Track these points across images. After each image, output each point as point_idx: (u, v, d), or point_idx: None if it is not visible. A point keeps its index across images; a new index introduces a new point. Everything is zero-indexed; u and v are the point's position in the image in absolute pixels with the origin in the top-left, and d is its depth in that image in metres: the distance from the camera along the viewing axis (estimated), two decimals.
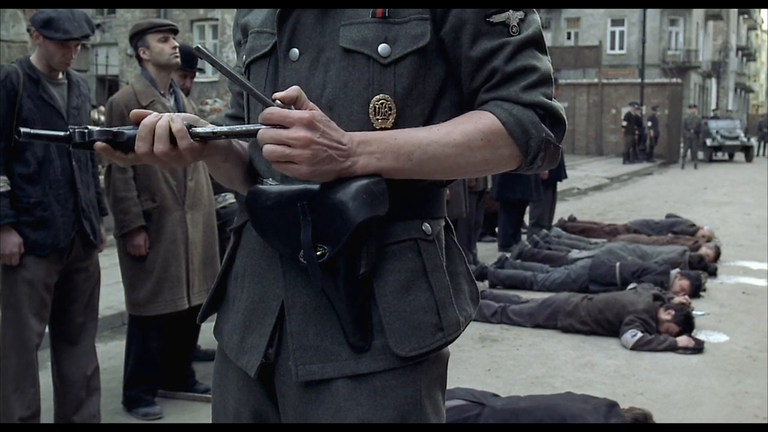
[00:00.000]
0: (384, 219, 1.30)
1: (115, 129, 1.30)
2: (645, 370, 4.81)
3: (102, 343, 5.01)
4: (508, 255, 7.65)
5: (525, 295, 6.35)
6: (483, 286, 6.86)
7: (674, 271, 6.68)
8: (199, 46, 1.20)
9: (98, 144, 1.28)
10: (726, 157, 27.89)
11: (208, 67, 15.08)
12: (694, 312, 5.65)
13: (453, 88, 1.39)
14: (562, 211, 11.12)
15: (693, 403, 4.28)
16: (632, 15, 34.50)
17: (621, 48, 36.11)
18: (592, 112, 27.52)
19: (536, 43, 1.35)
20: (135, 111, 1.32)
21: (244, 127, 1.28)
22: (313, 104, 1.26)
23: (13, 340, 3.35)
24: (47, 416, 3.61)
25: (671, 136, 26.18)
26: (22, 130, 1.24)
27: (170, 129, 1.28)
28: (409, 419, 1.34)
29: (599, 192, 16.31)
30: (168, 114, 1.30)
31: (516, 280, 6.96)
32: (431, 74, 1.36)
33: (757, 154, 29.94)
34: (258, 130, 1.24)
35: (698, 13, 38.44)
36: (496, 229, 9.26)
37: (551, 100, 1.35)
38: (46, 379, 3.68)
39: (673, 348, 5.16)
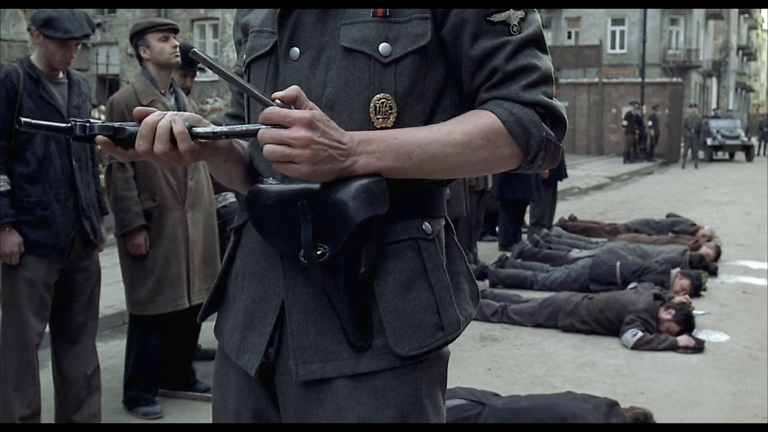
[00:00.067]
0: (384, 218, 1.30)
1: (116, 124, 1.30)
2: (645, 370, 4.81)
3: (102, 342, 5.01)
4: (508, 254, 7.65)
5: (525, 294, 6.35)
6: (483, 285, 6.86)
7: (675, 271, 6.68)
8: (195, 50, 1.20)
9: (99, 138, 1.28)
10: (726, 156, 27.89)
11: None
12: (694, 311, 5.65)
13: (454, 88, 1.38)
14: (563, 210, 11.11)
15: (693, 403, 4.28)
16: (633, 14, 34.49)
17: (621, 47, 36.10)
18: (593, 111, 27.52)
19: (537, 42, 1.35)
20: (139, 108, 1.32)
21: (244, 127, 1.28)
22: (313, 104, 1.25)
23: (14, 340, 3.35)
24: (48, 415, 3.61)
25: (672, 135, 26.17)
26: (23, 120, 1.24)
27: (171, 130, 1.28)
28: (410, 418, 1.34)
29: (600, 191, 16.30)
30: (171, 113, 1.30)
31: (516, 279, 6.96)
32: (432, 73, 1.36)
33: (758, 154, 29.93)
34: (258, 130, 1.24)
35: (699, 13, 38.43)
36: (497, 229, 9.26)
37: (552, 99, 1.35)
38: (46, 378, 3.68)
39: (674, 347, 5.16)
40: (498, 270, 7.07)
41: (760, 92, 70.38)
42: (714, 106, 43.71)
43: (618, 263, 6.79)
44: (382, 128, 1.32)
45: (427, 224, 1.38)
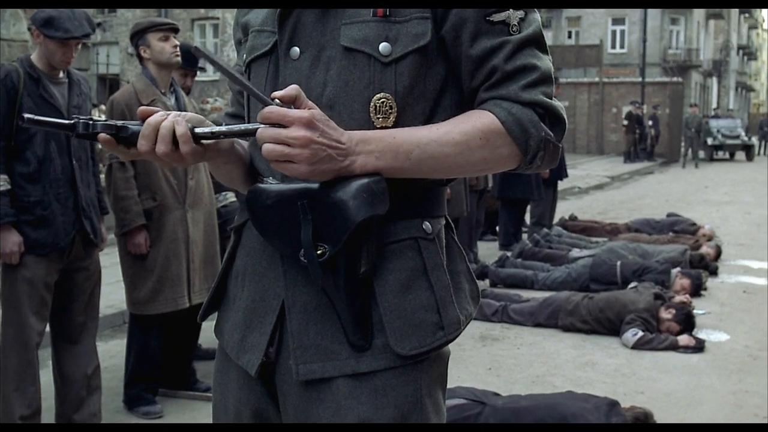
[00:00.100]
0: (384, 218, 1.30)
1: (119, 123, 1.30)
2: (646, 369, 4.81)
3: (103, 341, 5.01)
4: (508, 254, 7.65)
5: (526, 294, 6.35)
6: (484, 285, 6.86)
7: (675, 270, 6.68)
8: (198, 46, 1.20)
9: (102, 136, 1.28)
10: (727, 156, 27.89)
11: (209, 66, 15.08)
12: (694, 311, 5.64)
13: (454, 87, 1.38)
14: (563, 210, 11.11)
15: (694, 402, 4.28)
16: (633, 14, 34.48)
17: (622, 47, 36.09)
18: (593, 111, 27.52)
19: (536, 42, 1.35)
20: (143, 108, 1.31)
21: (243, 126, 1.27)
22: (312, 103, 1.25)
23: (14, 339, 3.35)
24: (48, 415, 3.61)
25: (672, 135, 26.17)
26: (26, 116, 1.24)
27: (174, 131, 1.28)
28: (410, 418, 1.34)
29: (600, 191, 16.30)
30: (175, 113, 1.30)
31: (517, 279, 6.96)
32: (432, 73, 1.36)
33: (758, 153, 29.93)
34: (257, 129, 1.24)
35: (699, 12, 38.42)
36: (497, 228, 9.26)
37: (551, 99, 1.34)
38: (46, 377, 3.68)
39: (674, 347, 5.16)
40: (498, 269, 7.07)
41: (760, 92, 70.35)
42: (714, 105, 43.70)
43: (618, 263, 6.79)
44: (382, 128, 1.32)
45: (428, 224, 1.38)
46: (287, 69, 1.37)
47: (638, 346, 5.17)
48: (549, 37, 34.93)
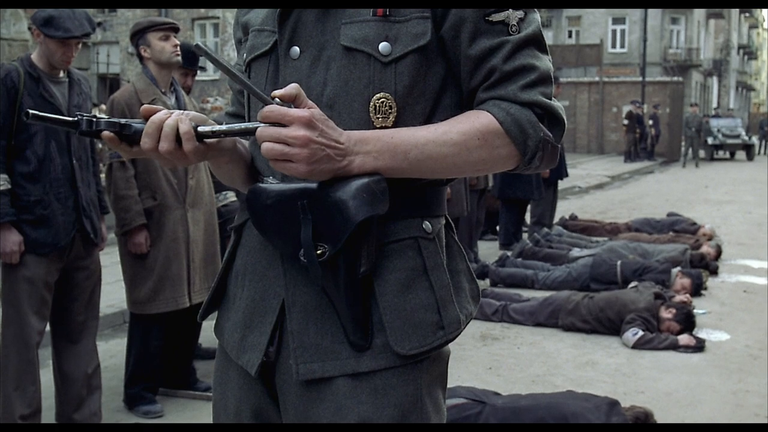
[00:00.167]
0: (384, 217, 1.30)
1: (123, 121, 1.30)
2: (646, 369, 4.81)
3: (103, 341, 5.01)
4: (509, 253, 7.65)
5: (526, 293, 6.36)
6: (484, 284, 6.86)
7: (675, 270, 6.67)
8: (199, 43, 1.20)
9: (105, 133, 1.28)
10: (727, 155, 27.89)
11: (210, 66, 15.08)
12: (695, 310, 5.65)
13: (453, 87, 1.38)
14: (564, 209, 11.12)
15: (694, 402, 4.28)
16: (633, 13, 34.47)
17: (622, 46, 36.08)
18: (593, 110, 27.52)
19: (536, 42, 1.35)
20: (146, 106, 1.32)
21: (244, 125, 1.28)
22: (312, 102, 1.25)
23: (14, 339, 3.35)
24: (48, 414, 3.61)
25: (672, 134, 26.18)
26: (31, 112, 1.23)
27: (177, 129, 1.28)
28: (410, 417, 1.34)
29: (600, 190, 16.30)
30: (178, 112, 1.30)
31: (517, 278, 6.96)
32: (432, 73, 1.35)
33: (759, 153, 29.93)
34: (257, 128, 1.24)
35: (699, 12, 38.41)
36: (497, 228, 9.26)
37: (550, 99, 1.34)
38: (47, 377, 3.68)
39: (674, 346, 5.16)
40: (499, 269, 7.07)
41: (760, 91, 70.33)
42: (715, 105, 43.69)
43: (619, 262, 6.79)
44: (381, 127, 1.32)
45: (428, 223, 1.38)
46: (287, 68, 1.37)
47: (638, 345, 5.17)
48: (549, 36, 34.95)
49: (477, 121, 1.32)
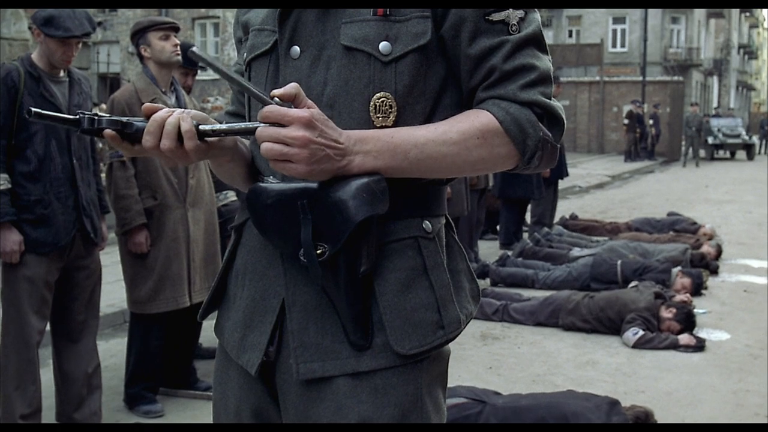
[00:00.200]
0: (384, 217, 1.30)
1: (124, 119, 1.30)
2: (646, 368, 4.81)
3: (103, 340, 5.01)
4: (509, 253, 7.65)
5: (526, 293, 6.36)
6: (484, 284, 6.86)
7: (676, 269, 6.67)
8: (193, 50, 1.20)
9: (107, 132, 1.28)
10: (727, 155, 27.89)
11: None
12: (695, 310, 5.65)
13: (454, 87, 1.38)
14: (564, 209, 11.11)
15: (694, 401, 4.28)
16: (634, 13, 34.47)
17: (623, 46, 36.08)
18: (594, 110, 27.52)
19: (536, 41, 1.35)
20: (147, 105, 1.32)
21: (244, 124, 1.28)
22: (312, 102, 1.25)
23: (15, 338, 3.36)
24: (48, 414, 3.62)
25: (673, 134, 26.17)
26: (33, 110, 1.23)
27: (179, 127, 1.28)
28: (410, 417, 1.34)
29: (601, 190, 16.30)
30: (179, 110, 1.30)
31: (517, 278, 6.96)
32: (432, 72, 1.35)
33: (759, 152, 29.93)
34: (256, 128, 1.24)
35: (700, 11, 38.41)
36: (498, 227, 9.26)
37: (550, 99, 1.34)
38: (47, 376, 3.68)
39: (675, 346, 5.16)
40: (499, 269, 7.07)
41: (761, 91, 70.30)
42: (715, 104, 43.69)
43: (619, 262, 6.79)
44: (382, 127, 1.32)
45: (428, 223, 1.38)
46: (287, 68, 1.37)
47: (639, 345, 5.17)
48: (549, 36, 34.94)
49: (477, 120, 1.32)
